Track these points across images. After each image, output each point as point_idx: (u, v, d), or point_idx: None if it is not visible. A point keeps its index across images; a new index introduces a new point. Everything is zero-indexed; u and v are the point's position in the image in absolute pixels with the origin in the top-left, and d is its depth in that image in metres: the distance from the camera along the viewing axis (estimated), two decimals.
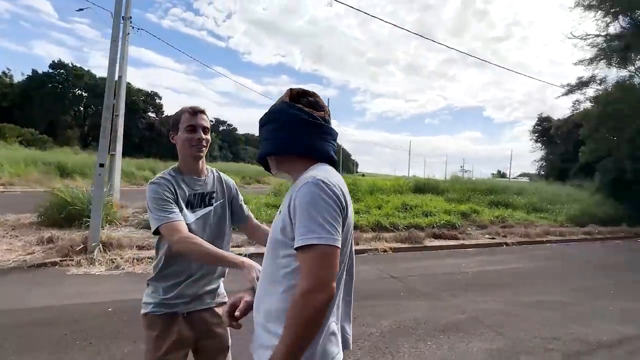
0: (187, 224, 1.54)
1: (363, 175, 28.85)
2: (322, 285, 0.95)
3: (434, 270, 6.60)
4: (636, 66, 18.59)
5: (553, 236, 11.90)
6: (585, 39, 18.59)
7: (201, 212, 1.65)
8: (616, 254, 9.71)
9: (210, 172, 1.75)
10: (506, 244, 10.26)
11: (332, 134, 1.19)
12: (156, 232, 1.52)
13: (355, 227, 10.38)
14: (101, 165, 5.98)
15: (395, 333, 3.70)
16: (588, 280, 6.47)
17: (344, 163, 65.74)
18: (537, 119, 29.82)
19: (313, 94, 1.19)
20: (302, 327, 0.94)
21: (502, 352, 3.37)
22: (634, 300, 5.23)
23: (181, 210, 1.56)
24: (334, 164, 1.19)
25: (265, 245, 1.20)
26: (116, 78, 6.67)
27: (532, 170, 30.85)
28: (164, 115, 47.40)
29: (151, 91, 46.92)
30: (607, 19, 17.81)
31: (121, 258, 5.81)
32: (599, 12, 17.60)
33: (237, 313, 1.18)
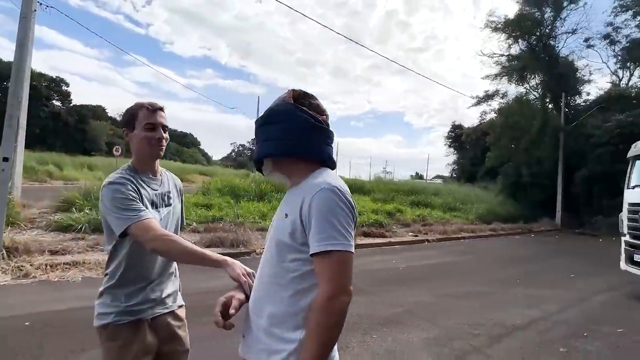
0: None
1: None
2: (344, 290, 0.98)
3: (368, 267, 6.89)
4: (531, 84, 21.45)
5: (466, 233, 13.21)
6: (492, 57, 20.95)
7: (164, 211, 1.60)
8: (518, 247, 11.12)
9: (164, 171, 1.70)
10: (427, 240, 11.12)
11: (332, 138, 1.21)
12: (123, 234, 1.41)
13: None
14: (5, 159, 5.17)
15: (350, 328, 3.82)
16: (499, 271, 7.30)
17: None
18: (450, 126, 32.89)
19: (313, 97, 1.19)
20: (330, 332, 0.97)
21: (438, 340, 3.67)
22: (536, 288, 6.03)
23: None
24: (334, 167, 1.21)
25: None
26: (28, 61, 5.84)
27: (446, 172, 33.81)
28: (72, 105, 42.44)
29: (56, 76, 41.49)
30: (510, 42, 20.28)
31: (31, 265, 5.10)
32: (503, 34, 19.96)
33: (232, 311, 1.13)
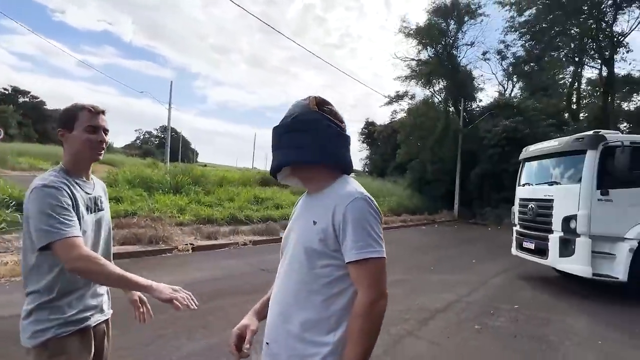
0: (85, 230, 1.41)
1: (205, 165, 27.75)
2: (383, 294, 1.04)
3: None
4: (436, 88, 23.64)
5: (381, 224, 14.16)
6: (404, 60, 22.56)
7: (97, 216, 1.55)
8: (425, 237, 12.29)
9: (92, 176, 1.62)
10: None
11: (350, 143, 1.23)
12: (45, 248, 1.28)
13: (212, 221, 10.03)
14: None
15: None
16: (413, 259, 8.00)
17: (183, 152, 61.42)
18: (364, 123, 34.62)
19: (331, 104, 1.20)
20: (372, 336, 1.02)
21: None
22: (446, 274, 6.76)
23: (82, 216, 1.41)
24: (350, 172, 1.23)
25: None
26: None
27: (359, 167, 35.52)
28: None
29: None
30: (419, 47, 22.05)
31: None
32: (415, 40, 21.63)
33: (247, 345, 1.16)
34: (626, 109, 22.34)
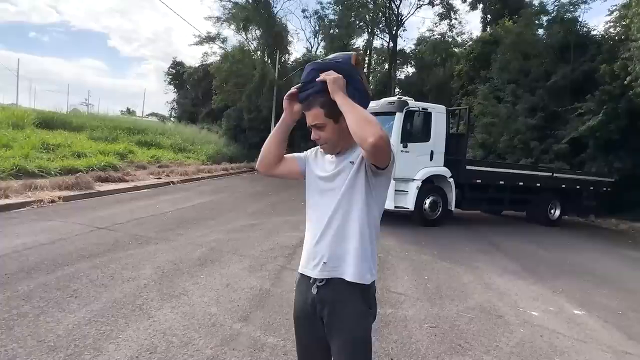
0: None
1: None
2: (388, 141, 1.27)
3: (138, 214, 6.35)
4: (250, 36, 23.59)
5: (204, 173, 13.87)
6: (218, 1, 21.33)
7: None
8: (251, 184, 12.89)
9: None
10: (172, 182, 11.02)
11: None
12: None
13: None
14: None
15: (172, 274, 3.72)
16: (252, 205, 8.47)
17: None
18: (172, 62, 31.38)
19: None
20: (360, 117, 1.21)
21: (254, 267, 4.22)
22: (287, 215, 7.56)
23: None
24: None
25: None
26: None
27: (163, 111, 32.57)
28: None
29: None
30: None
31: None
32: None
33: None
34: (399, 77, 28.31)
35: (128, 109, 44.88)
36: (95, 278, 3.42)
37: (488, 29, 22.53)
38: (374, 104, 7.92)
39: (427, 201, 7.59)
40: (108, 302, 3.03)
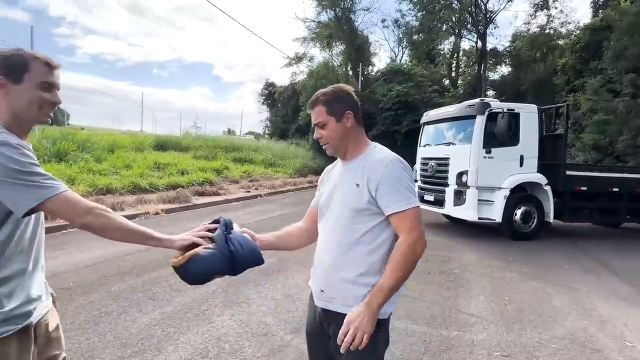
0: None
1: (82, 128, 24.20)
2: (423, 237, 1.25)
3: None
4: (335, 52, 24.28)
5: (290, 186, 14.53)
6: (305, 21, 22.48)
7: None
8: None
9: None
10: (260, 195, 11.76)
11: None
12: (30, 212, 1.07)
13: (111, 191, 9.11)
14: None
15: (239, 282, 3.94)
16: None
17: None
18: (264, 83, 33.92)
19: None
20: (407, 268, 1.23)
21: None
22: None
23: None
24: None
25: None
26: None
27: (258, 129, 35.14)
28: None
29: None
30: (319, 9, 22.14)
31: None
32: (314, 1, 21.60)
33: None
34: (492, 78, 26.28)
35: (229, 129, 49.48)
36: (173, 283, 3.80)
37: (600, 14, 19.61)
38: (452, 109, 7.46)
39: (519, 212, 6.78)
40: (178, 306, 3.33)
